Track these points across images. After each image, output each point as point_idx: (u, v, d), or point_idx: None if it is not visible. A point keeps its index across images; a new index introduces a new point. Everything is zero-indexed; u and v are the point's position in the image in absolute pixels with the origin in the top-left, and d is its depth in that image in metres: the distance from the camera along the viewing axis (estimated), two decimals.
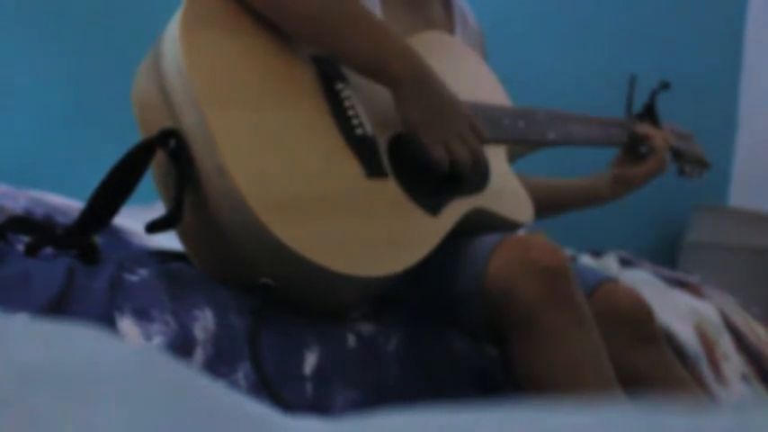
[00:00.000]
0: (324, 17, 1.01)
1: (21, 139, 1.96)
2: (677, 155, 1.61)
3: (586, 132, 1.41)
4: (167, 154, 0.93)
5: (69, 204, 1.38)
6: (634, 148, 1.48)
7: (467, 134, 1.09)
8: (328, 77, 1.06)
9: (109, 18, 2.07)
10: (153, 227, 0.94)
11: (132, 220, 1.27)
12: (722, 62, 3.39)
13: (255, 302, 0.92)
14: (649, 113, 1.56)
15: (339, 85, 1.06)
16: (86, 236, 0.96)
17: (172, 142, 0.93)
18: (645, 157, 1.46)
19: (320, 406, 0.94)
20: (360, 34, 1.02)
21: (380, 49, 1.03)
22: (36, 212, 1.22)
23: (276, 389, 0.89)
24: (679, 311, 1.82)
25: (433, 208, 1.08)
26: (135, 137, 0.99)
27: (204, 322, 0.91)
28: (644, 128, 1.48)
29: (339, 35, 1.02)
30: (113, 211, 0.96)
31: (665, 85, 1.55)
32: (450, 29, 1.38)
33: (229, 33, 0.98)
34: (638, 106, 1.59)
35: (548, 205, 1.47)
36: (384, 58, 1.03)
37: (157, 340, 0.87)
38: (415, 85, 1.04)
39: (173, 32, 0.96)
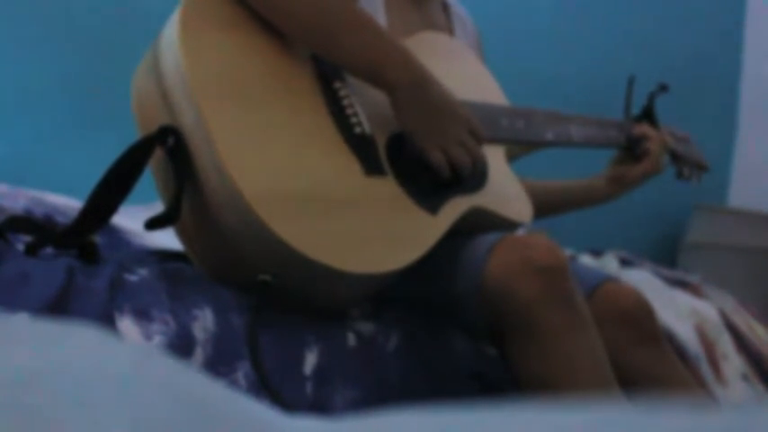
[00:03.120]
0: (321, 21, 1.01)
1: (20, 139, 1.96)
2: (675, 157, 1.61)
3: (585, 133, 1.41)
4: (166, 151, 0.93)
5: (69, 204, 1.38)
6: (631, 150, 1.48)
7: (465, 138, 1.09)
8: (327, 76, 1.06)
9: (108, 17, 2.06)
10: (152, 224, 0.94)
11: (131, 219, 1.27)
12: (722, 62, 3.38)
13: (254, 299, 0.92)
14: (648, 115, 1.56)
15: (337, 84, 1.06)
16: (86, 234, 0.96)
17: (170, 140, 0.93)
18: (641, 158, 1.47)
19: (320, 406, 0.94)
20: (356, 39, 1.02)
21: (377, 54, 1.03)
22: (36, 212, 1.22)
23: (276, 388, 0.89)
24: (679, 311, 1.82)
25: (432, 206, 1.08)
26: (135, 136, 0.99)
27: (204, 322, 0.91)
28: (641, 128, 1.48)
29: (336, 39, 1.02)
30: (113, 208, 0.96)
31: (663, 88, 1.54)
32: (450, 32, 1.38)
33: (228, 31, 0.98)
34: (637, 108, 1.58)
35: (543, 207, 1.47)
36: (380, 64, 1.03)
37: (157, 340, 0.87)
38: (411, 91, 1.04)
39: (171, 31, 0.96)
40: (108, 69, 2.01)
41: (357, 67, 1.04)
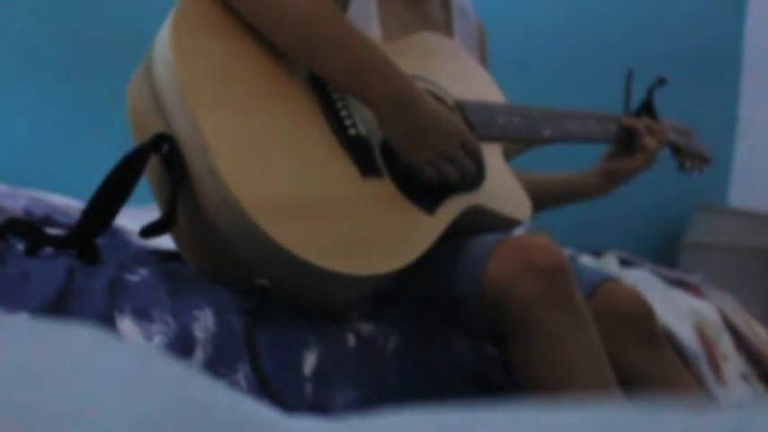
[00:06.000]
0: (306, 36, 1.00)
1: (20, 140, 1.96)
2: (676, 150, 1.60)
3: (583, 129, 1.40)
4: (161, 159, 0.93)
5: (69, 204, 1.38)
6: (627, 143, 1.47)
7: (455, 153, 1.08)
8: (320, 79, 1.05)
9: (107, 19, 2.07)
10: (147, 231, 0.94)
11: (131, 220, 1.27)
12: (722, 61, 3.38)
13: (252, 304, 0.93)
14: (647, 109, 1.55)
15: (331, 87, 1.06)
16: (86, 241, 0.96)
17: (165, 147, 0.93)
18: (636, 152, 1.45)
19: (320, 406, 0.94)
20: (340, 52, 1.01)
21: (360, 68, 1.02)
22: (36, 212, 1.22)
23: (275, 389, 0.89)
24: (679, 311, 1.82)
25: (429, 206, 1.08)
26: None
27: (204, 322, 0.91)
28: (638, 122, 1.47)
29: (319, 51, 1.01)
30: (111, 216, 0.96)
31: (661, 81, 1.54)
32: (449, 26, 1.37)
33: (220, 37, 0.98)
34: (635, 102, 1.58)
35: (534, 200, 1.46)
36: (363, 78, 1.02)
37: (157, 340, 0.87)
38: (393, 106, 1.03)
39: (163, 37, 0.96)
40: (108, 70, 2.01)
41: (340, 83, 1.03)
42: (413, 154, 1.06)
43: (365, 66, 1.02)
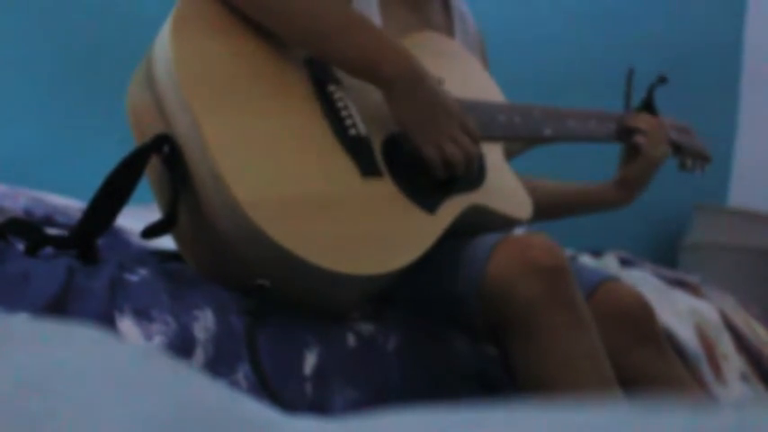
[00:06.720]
0: (315, 24, 1.01)
1: (21, 140, 1.96)
2: (677, 148, 1.60)
3: (584, 128, 1.40)
4: (162, 160, 0.94)
5: (69, 204, 1.38)
6: (630, 145, 1.47)
7: (459, 136, 1.09)
8: (321, 79, 1.06)
9: (109, 18, 2.07)
10: (148, 232, 0.94)
11: (131, 220, 1.28)
12: (722, 61, 3.39)
13: (252, 304, 0.93)
14: (648, 108, 1.55)
15: (331, 87, 1.06)
16: (87, 242, 0.96)
17: (166, 148, 0.93)
18: (636, 152, 1.44)
19: (320, 406, 0.94)
20: (351, 39, 1.02)
21: (371, 50, 1.03)
22: (36, 212, 1.22)
23: (275, 389, 0.89)
24: (679, 311, 1.82)
25: (430, 206, 1.08)
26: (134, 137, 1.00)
27: (204, 322, 0.91)
28: (633, 119, 1.46)
29: (331, 41, 1.02)
30: (111, 216, 0.97)
31: (662, 79, 1.54)
32: (450, 30, 1.38)
33: (220, 37, 0.99)
34: (636, 101, 1.58)
35: (553, 209, 1.45)
36: (375, 60, 1.03)
37: (157, 340, 0.87)
38: (406, 86, 1.04)
39: (163, 37, 0.96)
40: (108, 71, 2.02)
41: (353, 66, 1.04)
42: (420, 133, 1.06)
43: (375, 47, 1.03)
